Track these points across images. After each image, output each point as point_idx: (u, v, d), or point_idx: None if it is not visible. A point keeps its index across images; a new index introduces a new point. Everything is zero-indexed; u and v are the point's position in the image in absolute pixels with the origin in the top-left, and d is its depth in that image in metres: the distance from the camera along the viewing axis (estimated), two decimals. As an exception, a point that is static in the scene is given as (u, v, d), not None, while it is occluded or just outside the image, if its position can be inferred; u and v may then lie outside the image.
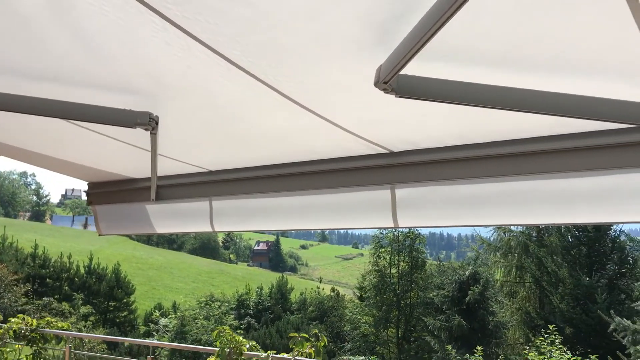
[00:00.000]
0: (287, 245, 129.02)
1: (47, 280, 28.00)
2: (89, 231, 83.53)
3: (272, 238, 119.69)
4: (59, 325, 4.28)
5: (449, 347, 13.72)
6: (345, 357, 24.67)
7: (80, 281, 29.04)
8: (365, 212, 2.85)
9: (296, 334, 3.72)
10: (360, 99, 1.93)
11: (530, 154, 2.24)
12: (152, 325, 27.29)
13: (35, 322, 4.28)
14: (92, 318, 27.87)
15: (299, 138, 2.45)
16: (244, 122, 2.31)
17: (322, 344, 3.61)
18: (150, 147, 2.31)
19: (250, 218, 3.30)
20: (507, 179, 2.41)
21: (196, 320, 23.61)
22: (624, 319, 7.78)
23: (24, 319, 4.27)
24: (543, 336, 10.84)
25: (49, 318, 4.36)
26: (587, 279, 15.25)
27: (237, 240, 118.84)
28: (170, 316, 26.41)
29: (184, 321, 23.07)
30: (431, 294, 19.86)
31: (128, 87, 1.98)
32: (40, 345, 4.19)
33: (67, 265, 29.69)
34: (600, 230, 15.59)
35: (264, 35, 1.53)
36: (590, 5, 1.28)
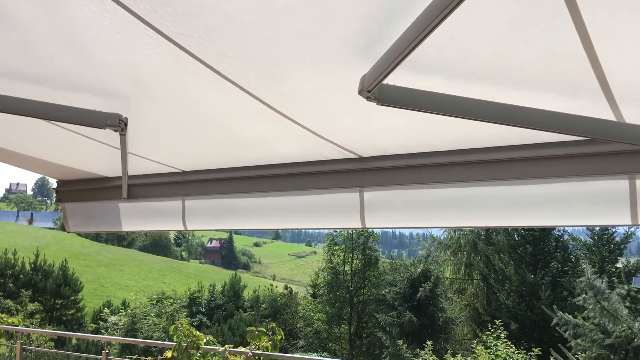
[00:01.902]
0: (240, 242, 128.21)
1: (-10, 277, 27.09)
2: (35, 227, 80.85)
3: (225, 235, 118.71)
4: (9, 321, 4.22)
5: (400, 342, 14.07)
6: (297, 354, 24.81)
7: (25, 278, 28.09)
8: (335, 213, 2.99)
9: (254, 328, 3.83)
10: (334, 108, 2.07)
11: (488, 162, 2.46)
12: (101, 322, 26.70)
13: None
14: (38, 316, 27.06)
15: (273, 142, 2.57)
16: (221, 127, 2.42)
17: (279, 337, 3.74)
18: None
19: (222, 217, 3.39)
20: (465, 184, 2.61)
21: (147, 318, 23.27)
22: (566, 314, 8.22)
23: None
24: (489, 331, 11.28)
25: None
26: (532, 276, 15.89)
27: (190, 238, 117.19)
28: (120, 314, 25.92)
29: (135, 319, 22.69)
30: (383, 291, 20.25)
31: (107, 90, 2.05)
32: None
33: (12, 261, 28.71)
34: (545, 230, 16.28)
35: (251, 50, 1.65)
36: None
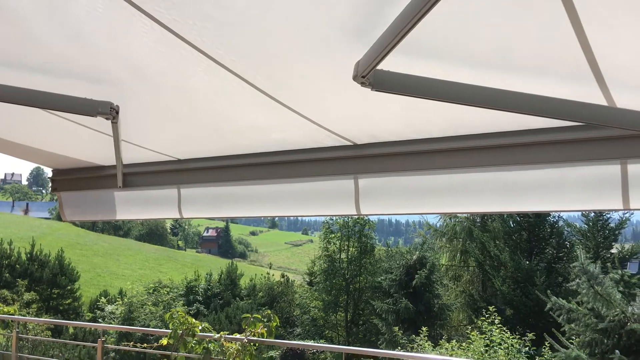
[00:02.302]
0: (236, 231, 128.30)
1: (-13, 267, 27.08)
2: (30, 217, 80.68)
3: (221, 224, 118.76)
4: (5, 310, 4.25)
5: (396, 328, 14.17)
6: (293, 341, 24.95)
7: (21, 268, 28.09)
8: (330, 200, 3.01)
9: (249, 315, 3.87)
10: (329, 94, 2.08)
11: (482, 148, 2.48)
12: (98, 312, 26.75)
13: (-20, 307, 4.24)
14: (34, 305, 27.09)
15: (268, 129, 2.58)
16: (216, 114, 2.43)
17: (275, 324, 3.77)
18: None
19: (218, 205, 3.40)
20: (459, 170, 2.63)
21: (144, 307, 23.33)
22: (560, 299, 8.30)
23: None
24: (484, 317, 11.37)
25: None
26: (527, 262, 16.00)
27: (186, 227, 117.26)
28: (117, 303, 25.97)
29: (132, 307, 22.75)
30: (379, 279, 20.36)
31: (101, 77, 2.05)
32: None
33: (8, 251, 28.68)
34: (540, 216, 16.36)
35: (246, 37, 1.65)
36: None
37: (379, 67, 1.49)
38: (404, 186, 2.83)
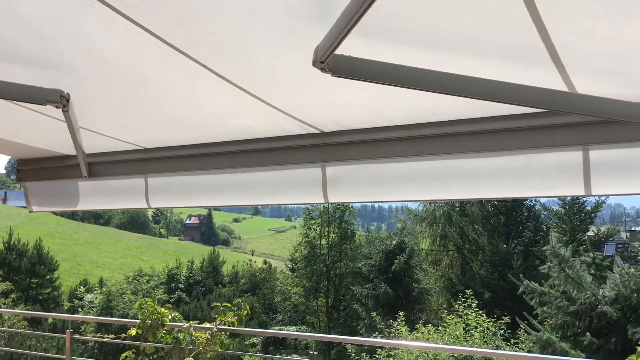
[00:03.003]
0: (219, 218, 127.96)
1: (-37, 257, 26.70)
2: (8, 206, 79.60)
3: (204, 212, 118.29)
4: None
5: (374, 313, 14.29)
6: (275, 328, 25.05)
7: (-1, 258, 27.80)
8: (297, 188, 2.99)
9: (219, 304, 3.85)
10: (294, 82, 2.05)
11: (446, 135, 2.48)
12: (76, 301, 26.53)
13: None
14: (13, 295, 26.79)
15: (234, 117, 2.55)
16: (179, 102, 2.39)
17: (245, 312, 3.76)
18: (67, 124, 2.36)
19: (186, 194, 3.37)
20: (424, 158, 2.63)
21: (123, 295, 23.18)
22: (532, 282, 8.42)
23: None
24: (460, 300, 11.51)
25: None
26: (505, 246, 16.18)
27: (168, 215, 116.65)
28: (95, 292, 25.77)
29: (110, 296, 22.59)
30: (359, 264, 20.49)
31: (54, 64, 2.00)
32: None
33: (-15, 241, 28.35)
34: (517, 200, 16.53)
35: (203, 22, 1.62)
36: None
37: (339, 52, 1.46)
38: (370, 174, 2.82)
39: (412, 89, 1.64)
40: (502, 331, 10.27)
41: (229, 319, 3.73)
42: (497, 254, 15.89)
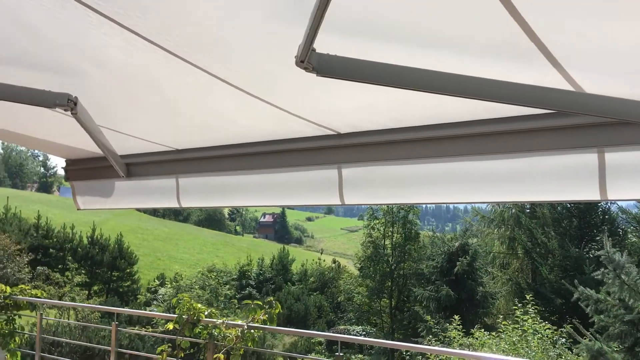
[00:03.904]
0: (292, 217, 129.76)
1: (50, 250, 28.44)
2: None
3: (278, 210, 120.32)
4: (32, 292, 4.49)
5: (428, 317, 14.03)
6: (341, 327, 25.12)
7: (83, 252, 29.43)
8: (314, 190, 3.05)
9: (250, 302, 3.93)
10: (306, 86, 2.08)
11: (461, 136, 2.45)
12: (148, 295, 27.65)
13: (8, 289, 4.49)
14: (95, 287, 28.33)
15: (251, 121, 2.63)
16: (198, 107, 2.53)
17: (277, 310, 3.82)
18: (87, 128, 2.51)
19: (213, 195, 3.50)
20: (438, 160, 2.61)
21: (192, 290, 23.97)
22: (587, 289, 7.98)
23: (-3, 286, 4.50)
24: (516, 306, 11.06)
25: (23, 286, 4.57)
26: (577, 250, 15.42)
27: (243, 213, 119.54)
28: (167, 286, 26.80)
29: (179, 291, 23.44)
30: (422, 265, 20.17)
31: (66, 70, 2.14)
32: (13, 312, 4.41)
33: (70, 235, 30.08)
34: (591, 202, 15.71)
35: (192, 26, 1.70)
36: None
37: (325, 52, 1.46)
38: (386, 176, 2.83)
39: (401, 89, 1.63)
40: (563, 339, 9.82)
41: (261, 316, 3.80)
42: (569, 259, 15.16)
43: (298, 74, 2.01)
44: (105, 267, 29.32)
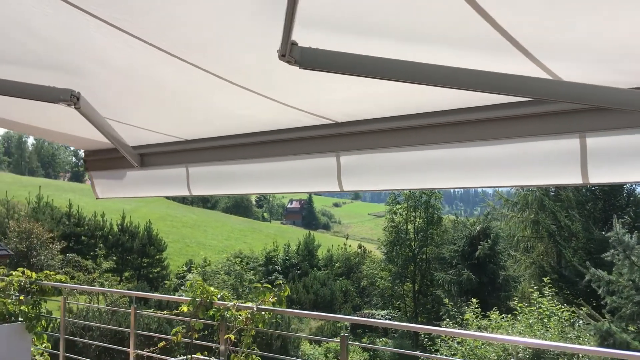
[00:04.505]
0: (319, 203, 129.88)
1: (82, 238, 29.26)
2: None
3: (304, 196, 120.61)
4: (57, 278, 4.72)
5: (446, 300, 14.07)
6: (366, 311, 25.31)
7: (113, 239, 30.13)
8: (315, 176, 3.19)
9: (259, 285, 4.09)
10: (302, 79, 2.19)
11: (449, 124, 2.56)
12: (176, 280, 28.17)
13: (34, 275, 4.74)
14: (126, 273, 29.02)
15: (251, 112, 2.78)
16: (201, 103, 2.68)
17: (286, 293, 3.97)
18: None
19: (220, 183, 3.67)
20: (430, 147, 2.73)
21: (217, 276, 24.39)
22: (599, 270, 7.96)
23: (23, 272, 4.74)
24: (532, 288, 11.01)
25: (47, 272, 4.81)
26: (602, 232, 15.22)
27: (270, 199, 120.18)
28: (193, 272, 27.26)
29: (205, 276, 23.87)
30: (443, 250, 20.15)
31: (74, 69, 2.31)
32: (38, 296, 4.65)
33: (101, 223, 30.80)
34: (616, 184, 15.46)
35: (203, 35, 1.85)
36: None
37: (307, 45, 1.56)
38: (382, 162, 2.95)
39: (383, 80, 1.74)
40: (581, 321, 9.80)
41: (270, 299, 3.96)
42: (592, 241, 14.98)
43: (293, 69, 2.15)
44: (135, 253, 30.00)
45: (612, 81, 2.03)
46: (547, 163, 2.47)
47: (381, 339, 20.15)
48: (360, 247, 35.97)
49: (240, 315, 3.87)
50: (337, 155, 3.03)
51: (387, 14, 1.65)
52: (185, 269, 30.06)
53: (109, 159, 4.14)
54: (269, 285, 3.99)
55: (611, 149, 2.31)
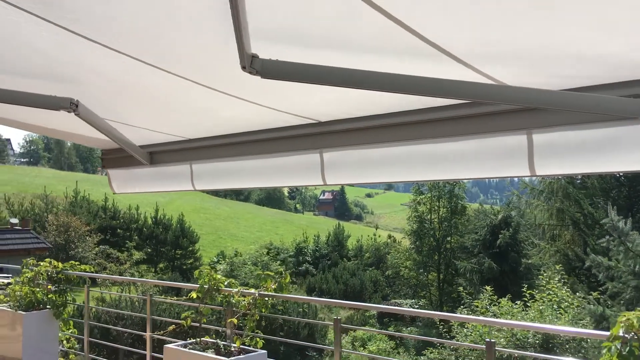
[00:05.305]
0: (352, 194, 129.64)
1: (118, 230, 30.17)
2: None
3: (337, 187, 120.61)
4: (81, 267, 5.12)
5: (461, 288, 14.14)
6: (393, 301, 25.49)
7: (148, 231, 30.90)
8: (301, 172, 3.49)
9: (261, 272, 4.39)
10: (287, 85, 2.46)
11: (411, 123, 2.83)
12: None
13: (60, 265, 5.15)
14: (161, 265, 29.77)
15: (241, 114, 3.08)
16: (192, 107, 3.02)
17: (287, 280, 4.26)
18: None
19: (219, 178, 4.00)
20: (400, 143, 3.00)
21: (244, 266, 24.88)
22: (598, 256, 8.02)
23: (50, 262, 5.17)
24: (543, 275, 11.06)
25: (73, 262, 5.21)
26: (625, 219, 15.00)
27: (303, 191, 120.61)
28: (223, 263, 27.80)
29: (233, 267, 24.39)
30: (464, 238, 20.17)
31: (83, 80, 2.66)
32: (63, 285, 5.06)
33: (136, 216, 31.63)
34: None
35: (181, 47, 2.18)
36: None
37: (267, 57, 1.76)
38: (360, 158, 3.23)
39: (338, 87, 1.99)
40: (591, 306, 9.85)
41: (271, 285, 4.26)
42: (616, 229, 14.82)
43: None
44: (169, 245, 30.66)
45: (545, 84, 2.28)
46: (501, 157, 2.71)
47: (408, 328, 20.36)
48: (390, 237, 36.05)
49: (244, 300, 4.18)
50: (321, 152, 3.32)
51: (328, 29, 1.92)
52: (216, 260, 30.67)
53: (123, 157, 4.49)
54: (270, 273, 4.29)
55: (555, 144, 2.55)
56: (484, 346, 3.38)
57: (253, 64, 1.81)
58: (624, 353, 2.74)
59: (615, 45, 1.83)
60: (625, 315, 2.86)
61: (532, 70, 2.24)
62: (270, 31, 1.90)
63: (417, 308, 21.91)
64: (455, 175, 2.94)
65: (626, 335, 2.77)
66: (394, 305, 23.02)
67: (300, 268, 32.62)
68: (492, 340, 3.33)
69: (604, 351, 2.81)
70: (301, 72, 1.91)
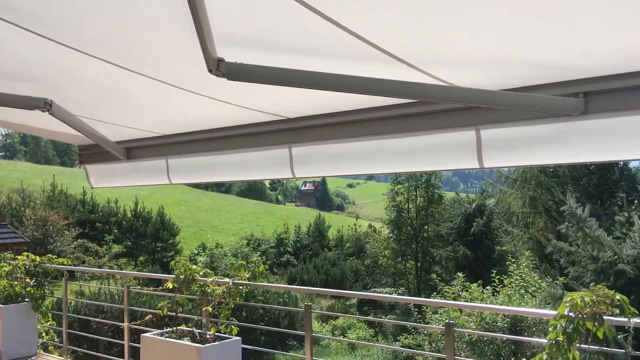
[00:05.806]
0: (333, 185, 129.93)
1: (97, 224, 30.04)
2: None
3: (318, 178, 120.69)
4: (59, 261, 5.24)
5: (434, 275, 14.48)
6: (371, 289, 25.82)
7: (127, 225, 30.78)
8: (270, 166, 3.67)
9: (235, 261, 4.56)
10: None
11: (376, 119, 3.03)
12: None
13: (38, 258, 5.27)
14: (141, 258, 29.72)
15: (213, 111, 3.23)
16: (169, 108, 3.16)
17: (260, 269, 4.43)
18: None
19: (196, 172, 4.18)
20: (361, 139, 3.19)
21: (225, 258, 24.97)
22: (560, 242, 8.36)
23: (28, 255, 5.28)
24: (510, 261, 11.42)
25: (50, 255, 5.33)
26: (594, 207, 15.37)
27: (284, 182, 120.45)
28: (202, 255, 27.85)
29: (213, 258, 24.48)
30: (441, 227, 20.55)
31: (57, 81, 2.80)
32: (41, 278, 5.17)
33: (115, 209, 31.48)
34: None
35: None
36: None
37: (234, 61, 1.91)
38: (326, 152, 3.42)
39: (297, 88, 2.16)
40: (561, 291, 10.22)
41: (245, 274, 4.43)
42: (574, 215, 15.14)
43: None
44: (149, 238, 30.60)
45: (491, 85, 2.49)
46: (454, 151, 2.92)
47: (386, 315, 20.75)
48: (370, 226, 36.34)
49: (218, 289, 4.36)
50: (290, 147, 3.51)
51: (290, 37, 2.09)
52: (196, 252, 30.69)
53: (99, 152, 4.61)
54: (244, 262, 4.46)
55: (501, 139, 2.77)
56: (443, 327, 3.61)
57: (219, 67, 1.96)
58: (567, 330, 2.96)
59: (551, 51, 2.04)
60: (570, 296, 3.08)
61: (477, 73, 2.43)
62: (237, 37, 2.05)
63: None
64: (413, 167, 3.16)
65: (571, 314, 2.98)
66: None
67: (281, 259, 32.79)
68: (451, 322, 3.57)
69: (550, 329, 3.04)
70: (265, 74, 2.09)
